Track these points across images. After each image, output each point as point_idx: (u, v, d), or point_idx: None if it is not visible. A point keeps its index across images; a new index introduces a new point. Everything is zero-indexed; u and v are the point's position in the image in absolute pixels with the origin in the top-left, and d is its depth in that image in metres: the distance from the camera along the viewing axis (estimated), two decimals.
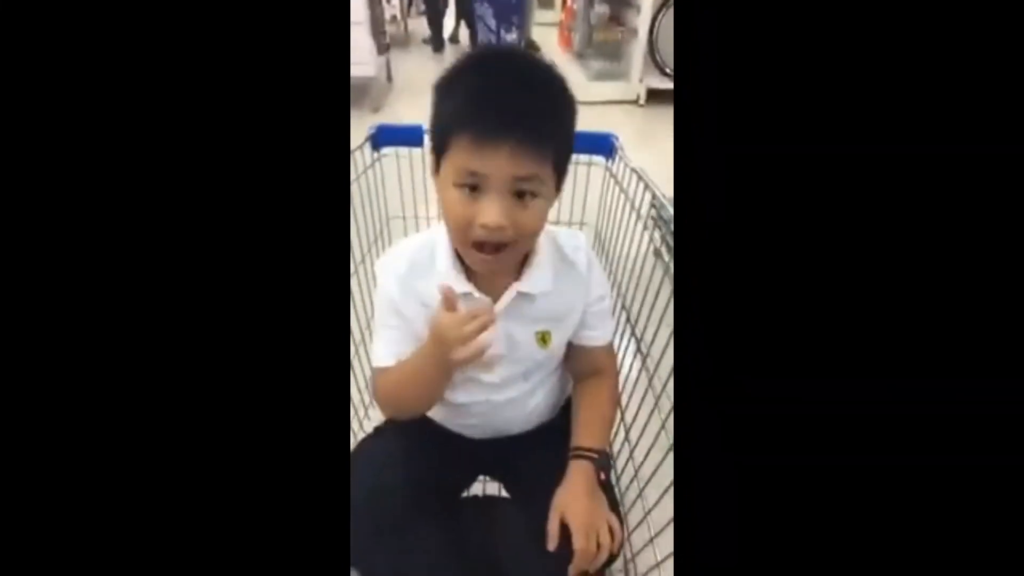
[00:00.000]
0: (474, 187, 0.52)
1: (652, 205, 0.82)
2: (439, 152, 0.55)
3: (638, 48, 2.88)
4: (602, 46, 3.27)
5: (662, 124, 2.69)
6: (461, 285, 0.60)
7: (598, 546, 0.60)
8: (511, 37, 3.04)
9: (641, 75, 2.91)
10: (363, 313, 0.85)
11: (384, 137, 0.86)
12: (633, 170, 0.77)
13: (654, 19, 2.86)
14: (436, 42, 4.07)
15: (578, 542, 0.58)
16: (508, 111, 0.50)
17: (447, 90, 0.54)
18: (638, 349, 0.78)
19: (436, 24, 4.04)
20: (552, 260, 0.64)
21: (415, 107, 2.67)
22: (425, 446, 0.70)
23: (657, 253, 0.82)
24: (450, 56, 3.69)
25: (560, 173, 0.56)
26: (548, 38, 4.14)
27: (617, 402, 0.75)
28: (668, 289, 0.65)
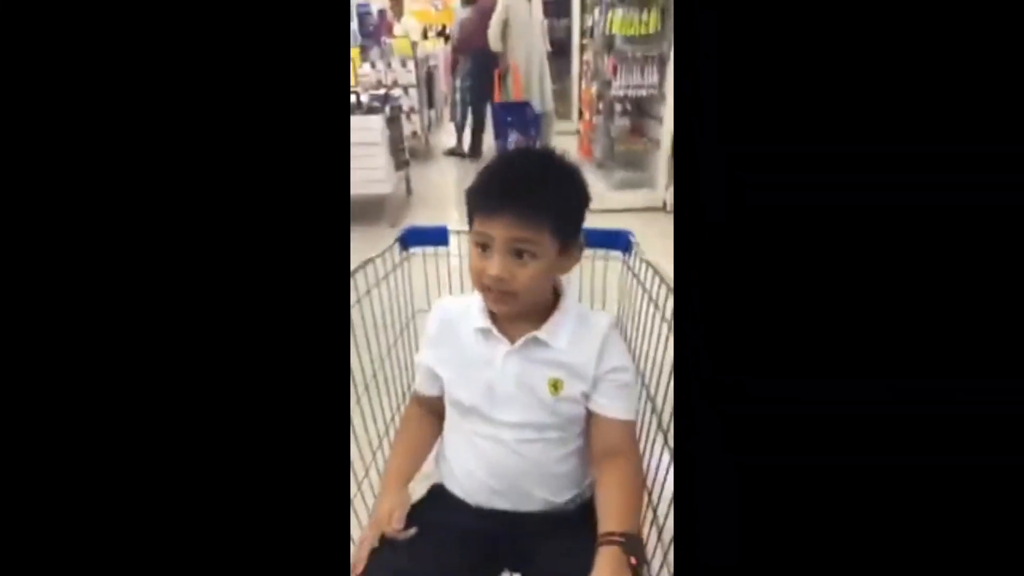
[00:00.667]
0: (485, 246, 0.69)
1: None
2: (469, 226, 0.73)
3: (662, 157, 3.10)
4: (624, 156, 3.50)
5: None
6: (482, 321, 0.75)
7: None
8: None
9: (668, 184, 3.09)
10: (395, 395, 0.94)
11: (412, 238, 0.98)
12: (648, 263, 0.85)
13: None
14: (475, 150, 4.60)
15: None
16: (508, 187, 0.69)
17: (476, 180, 0.72)
18: (659, 426, 0.82)
19: (477, 137, 4.60)
20: (573, 319, 0.75)
21: (432, 219, 2.83)
22: (440, 551, 0.72)
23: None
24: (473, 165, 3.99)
25: (563, 238, 0.70)
26: (567, 147, 4.52)
27: (642, 486, 0.76)
28: None
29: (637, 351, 0.90)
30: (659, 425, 0.81)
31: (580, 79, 5.50)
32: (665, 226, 2.83)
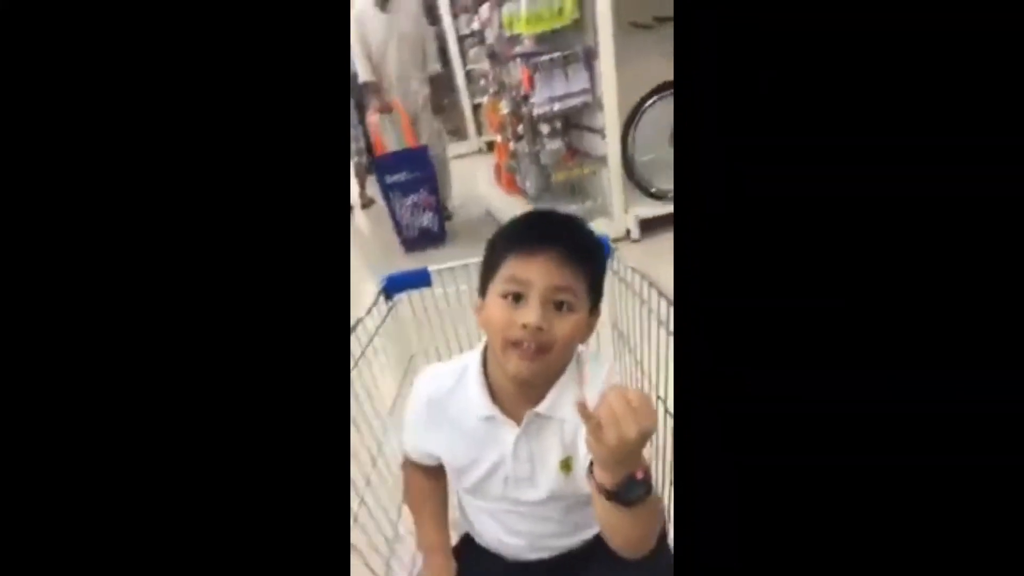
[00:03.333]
0: (517, 296, 0.67)
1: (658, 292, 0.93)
2: (486, 281, 0.71)
3: (613, 177, 2.63)
4: (565, 185, 2.94)
5: (664, 256, 2.46)
6: (486, 408, 0.73)
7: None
8: (427, 218, 3.14)
9: (626, 206, 2.69)
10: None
11: (394, 285, 1.08)
12: (633, 269, 0.97)
13: (624, 136, 2.66)
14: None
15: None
16: (551, 227, 0.70)
17: (496, 236, 0.73)
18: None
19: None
20: (572, 383, 0.74)
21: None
22: None
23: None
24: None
25: (594, 295, 0.72)
26: (466, 173, 4.25)
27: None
28: None
29: (631, 344, 1.03)
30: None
31: (467, 91, 5.33)
32: (638, 257, 2.49)
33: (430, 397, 0.78)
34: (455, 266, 1.09)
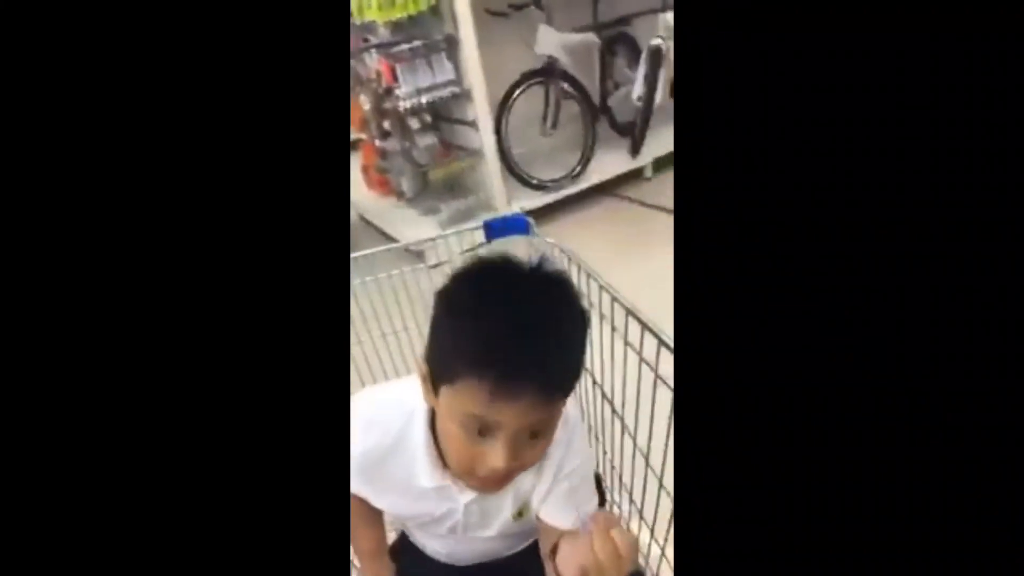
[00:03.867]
0: (481, 432, 0.55)
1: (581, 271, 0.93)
2: (441, 381, 0.56)
3: (491, 170, 2.63)
4: (443, 183, 2.84)
5: (564, 240, 2.86)
6: (437, 479, 0.65)
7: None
8: None
9: (508, 199, 2.71)
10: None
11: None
12: (553, 244, 0.97)
13: (498, 129, 2.65)
14: None
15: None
16: (527, 366, 0.51)
17: (455, 312, 0.56)
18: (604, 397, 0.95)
19: None
20: None
21: None
22: None
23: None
24: None
25: (565, 399, 0.60)
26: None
27: None
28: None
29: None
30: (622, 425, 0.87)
31: None
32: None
33: (365, 452, 0.67)
34: (377, 251, 1.08)
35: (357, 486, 0.72)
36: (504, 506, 0.73)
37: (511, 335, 0.52)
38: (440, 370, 0.56)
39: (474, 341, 0.53)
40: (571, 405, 0.70)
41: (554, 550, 0.65)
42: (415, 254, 1.83)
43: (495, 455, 0.55)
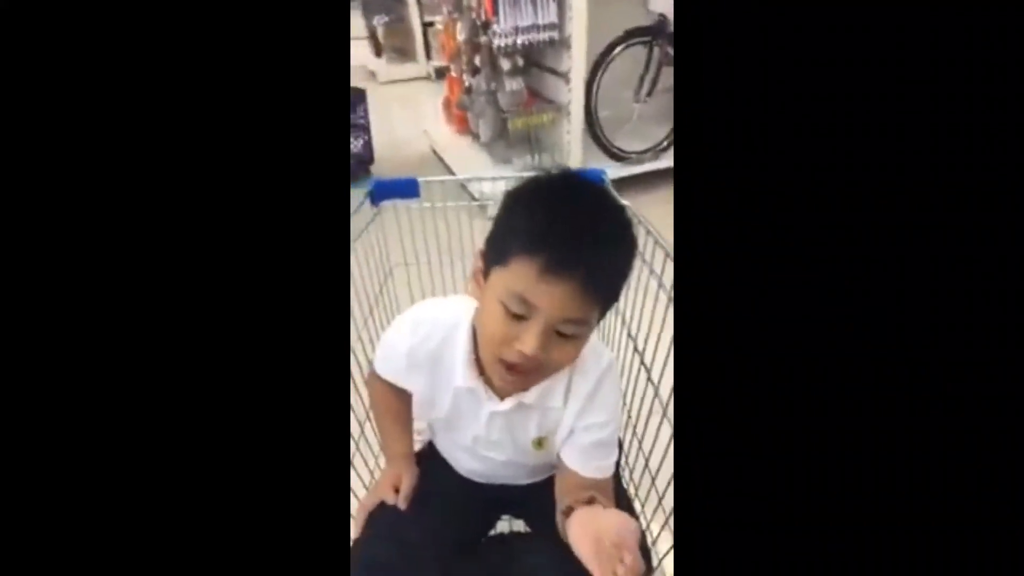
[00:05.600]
0: (519, 315, 0.61)
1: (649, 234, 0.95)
2: (494, 263, 0.64)
3: (573, 129, 2.54)
4: (522, 132, 2.73)
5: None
6: (470, 380, 0.72)
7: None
8: (360, 143, 3.00)
9: (584, 162, 2.64)
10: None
11: (381, 192, 1.07)
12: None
13: (590, 86, 2.55)
14: None
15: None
16: (576, 252, 0.58)
17: (519, 207, 0.64)
18: (635, 349, 1.00)
19: None
20: (566, 378, 0.74)
21: None
22: (438, 501, 0.86)
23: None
24: None
25: (604, 313, 0.67)
26: (410, 101, 4.11)
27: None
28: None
29: (629, 312, 1.06)
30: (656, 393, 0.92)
31: (418, 6, 4.75)
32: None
33: (412, 348, 0.77)
34: (446, 180, 1.12)
35: (400, 378, 0.81)
36: (527, 428, 0.77)
37: (565, 226, 0.59)
38: (495, 255, 0.64)
39: (531, 226, 0.60)
40: (609, 354, 0.77)
41: (567, 512, 0.70)
42: (468, 193, 1.83)
43: (527, 338, 0.61)
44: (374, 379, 0.89)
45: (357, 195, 1.07)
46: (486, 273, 0.66)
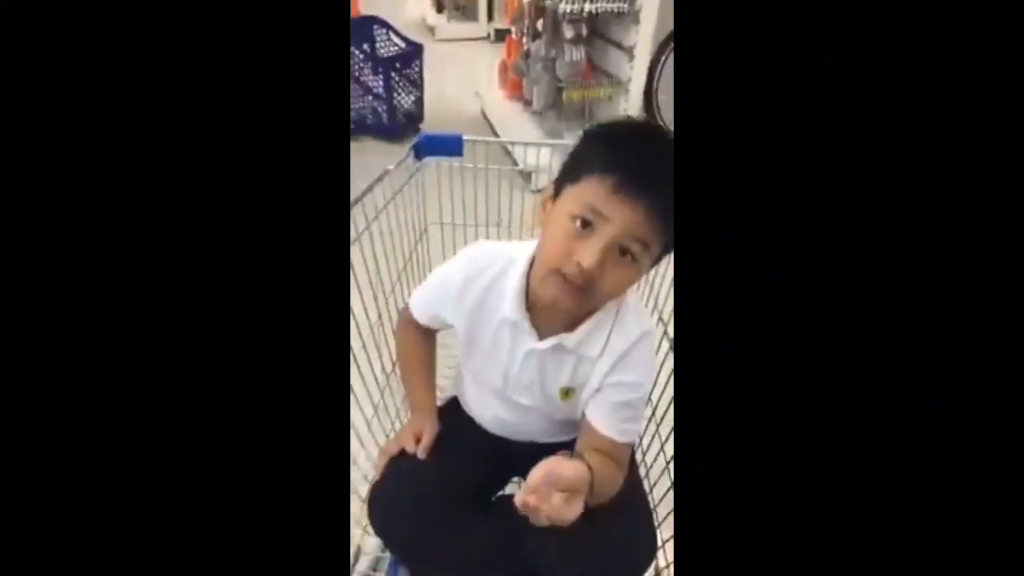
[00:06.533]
0: (587, 223, 0.64)
1: None
2: (566, 181, 0.69)
3: (632, 109, 2.49)
4: (576, 108, 2.74)
5: None
6: (516, 313, 0.77)
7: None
8: (411, 99, 2.97)
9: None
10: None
11: (427, 146, 1.10)
12: None
13: (653, 65, 2.51)
14: None
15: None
16: (655, 173, 0.62)
17: (596, 139, 0.69)
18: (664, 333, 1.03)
19: None
20: (607, 327, 0.76)
21: None
22: (456, 454, 0.90)
23: None
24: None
25: (662, 254, 0.70)
26: (466, 61, 4.10)
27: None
28: None
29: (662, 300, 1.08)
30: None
31: None
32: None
33: (468, 276, 0.81)
34: (491, 142, 1.13)
35: (447, 311, 0.84)
36: (559, 374, 0.80)
37: (637, 155, 0.65)
38: (568, 175, 0.69)
39: (607, 151, 0.66)
40: (651, 323, 0.80)
41: None
42: (511, 158, 1.85)
43: (587, 252, 0.64)
44: (407, 327, 0.93)
45: (403, 149, 1.09)
46: (556, 195, 0.70)
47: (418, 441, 0.88)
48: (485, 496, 0.95)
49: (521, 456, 0.91)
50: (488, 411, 0.92)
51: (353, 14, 2.94)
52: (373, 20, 2.93)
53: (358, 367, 0.93)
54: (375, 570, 0.99)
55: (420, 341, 0.94)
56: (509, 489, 1.00)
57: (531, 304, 0.77)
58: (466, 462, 0.91)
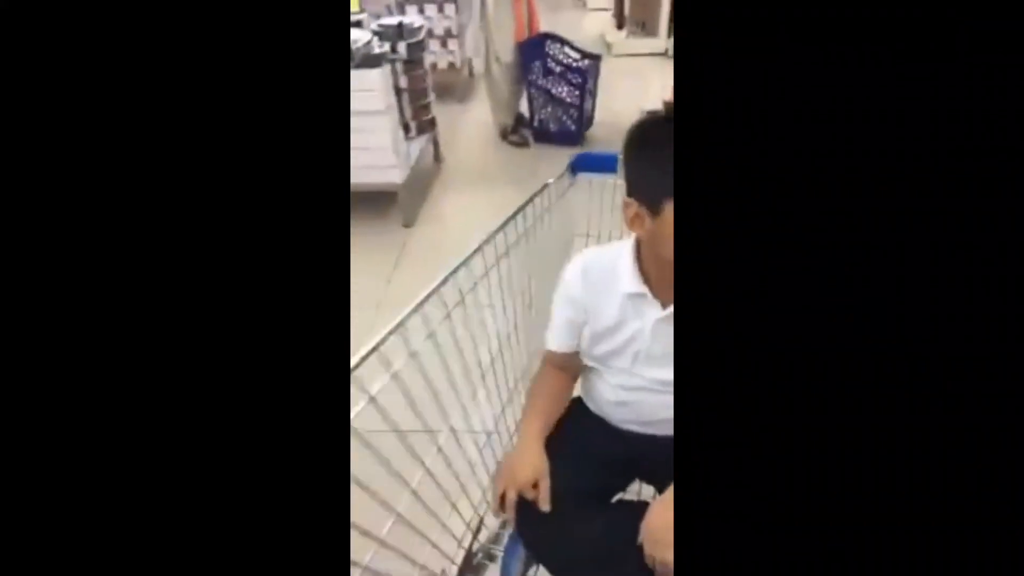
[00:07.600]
0: None
1: None
2: (657, 205, 0.75)
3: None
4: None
5: None
6: (636, 286, 0.85)
7: None
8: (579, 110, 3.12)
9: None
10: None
11: (581, 164, 1.21)
12: None
13: None
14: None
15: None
16: None
17: (648, 143, 0.77)
18: None
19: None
20: None
21: (471, 205, 2.79)
22: (581, 454, 0.96)
23: None
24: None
25: None
26: (641, 76, 4.29)
27: None
28: None
29: None
30: None
31: None
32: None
33: (586, 267, 0.91)
34: None
35: (573, 304, 0.93)
36: None
37: None
38: (652, 198, 0.76)
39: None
40: None
41: None
42: None
43: None
44: (546, 368, 1.04)
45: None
46: (652, 213, 0.77)
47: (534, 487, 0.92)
48: (605, 497, 1.01)
49: (643, 459, 1.00)
50: (614, 396, 0.97)
51: (532, 32, 3.21)
52: (547, 36, 3.17)
53: (493, 371, 1.04)
54: (494, 543, 1.09)
55: (556, 378, 1.02)
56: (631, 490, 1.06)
57: (647, 280, 0.85)
58: (590, 462, 0.97)
